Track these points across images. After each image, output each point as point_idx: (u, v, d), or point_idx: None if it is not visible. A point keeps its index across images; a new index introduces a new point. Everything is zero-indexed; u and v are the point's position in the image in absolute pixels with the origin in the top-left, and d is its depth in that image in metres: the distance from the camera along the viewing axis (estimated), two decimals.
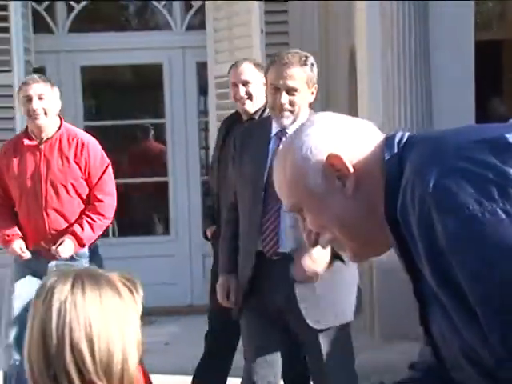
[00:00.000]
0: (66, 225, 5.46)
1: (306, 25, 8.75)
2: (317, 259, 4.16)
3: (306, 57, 4.34)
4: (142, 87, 10.16)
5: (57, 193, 5.44)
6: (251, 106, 5.22)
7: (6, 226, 5.58)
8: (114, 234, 9.90)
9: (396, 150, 1.99)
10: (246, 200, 4.47)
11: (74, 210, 5.49)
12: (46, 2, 9.07)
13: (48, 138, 5.47)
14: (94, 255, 5.63)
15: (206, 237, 5.56)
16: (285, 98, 4.22)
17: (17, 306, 5.49)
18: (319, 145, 2.03)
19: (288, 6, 8.75)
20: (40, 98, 5.39)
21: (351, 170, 1.99)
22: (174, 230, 9.32)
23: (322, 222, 2.06)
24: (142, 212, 10.54)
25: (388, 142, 2.02)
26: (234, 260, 4.55)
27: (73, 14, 9.16)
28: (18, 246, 5.46)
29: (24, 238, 5.53)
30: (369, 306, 7.49)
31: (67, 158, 5.44)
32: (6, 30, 8.23)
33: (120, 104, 10.09)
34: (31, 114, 5.41)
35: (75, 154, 5.44)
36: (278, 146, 4.23)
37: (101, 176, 5.51)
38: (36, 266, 5.49)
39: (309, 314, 4.28)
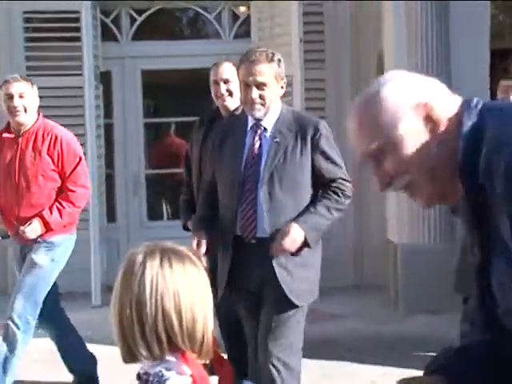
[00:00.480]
0: (35, 213, 5.22)
1: (339, 33, 8.80)
2: (295, 240, 4.07)
3: (273, 54, 4.22)
4: (193, 89, 10.13)
5: (28, 184, 5.23)
6: (231, 103, 5.01)
7: None
8: (168, 217, 10.10)
9: (473, 112, 1.98)
10: (224, 189, 4.31)
11: (44, 201, 5.24)
12: (113, 14, 9.17)
13: (25, 132, 5.31)
14: (58, 248, 5.35)
15: (186, 229, 5.20)
16: (255, 93, 4.10)
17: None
18: (413, 91, 2.01)
19: (324, 18, 8.83)
20: (21, 97, 5.26)
21: (443, 119, 1.98)
22: None
23: (406, 165, 2.01)
24: None
25: (466, 104, 2.01)
26: (205, 220, 4.41)
27: (135, 25, 9.26)
28: None
29: (4, 223, 5.42)
30: (393, 283, 7.57)
31: (40, 151, 5.24)
32: (78, 39, 8.34)
33: (174, 103, 10.16)
34: (12, 111, 5.25)
35: (48, 148, 5.25)
36: (254, 138, 4.24)
37: (73, 169, 5.27)
38: (15, 249, 5.52)
39: (291, 291, 4.14)
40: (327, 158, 4.22)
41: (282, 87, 4.26)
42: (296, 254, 4.14)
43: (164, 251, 1.93)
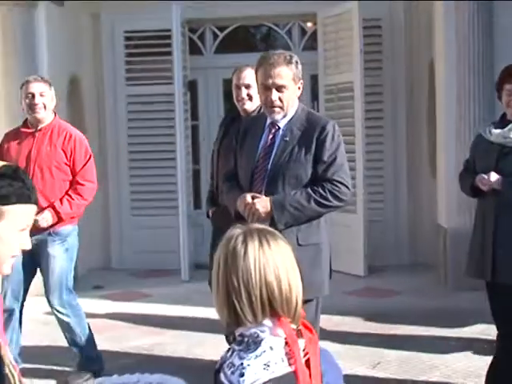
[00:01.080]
0: (47, 204, 5.01)
1: (395, 44, 8.81)
2: (257, 209, 3.75)
3: (291, 56, 3.87)
4: None
5: (42, 174, 5.06)
6: (250, 106, 4.80)
7: None
8: None
9: None
10: (241, 179, 4.04)
11: (55, 192, 5.07)
12: (199, 32, 9.29)
13: (42, 127, 5.15)
14: (68, 238, 5.15)
15: (208, 216, 5.08)
16: (275, 95, 3.79)
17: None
18: None
19: (382, 31, 8.84)
20: (41, 95, 5.12)
21: None
22: None
23: None
24: None
25: None
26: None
27: (217, 40, 9.34)
28: None
29: None
30: (442, 263, 7.57)
31: (55, 145, 5.10)
32: (170, 53, 8.50)
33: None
34: (33, 108, 5.10)
35: (63, 143, 5.10)
36: (269, 135, 3.94)
37: (84, 165, 5.12)
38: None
39: None
40: (329, 158, 3.86)
41: (299, 88, 3.94)
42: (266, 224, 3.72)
43: (260, 231, 1.98)
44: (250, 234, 1.95)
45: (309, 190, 3.81)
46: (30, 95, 5.12)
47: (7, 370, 1.93)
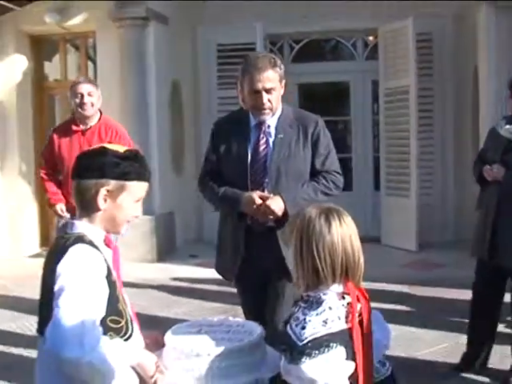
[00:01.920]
0: None
1: (443, 52, 8.68)
2: (273, 211, 3.23)
3: (274, 59, 3.38)
4: (334, 96, 10.24)
5: None
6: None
7: (53, 192, 4.95)
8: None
9: None
10: (234, 182, 3.37)
11: None
12: (278, 44, 9.30)
13: (91, 126, 4.90)
14: None
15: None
16: (265, 98, 3.29)
17: None
18: None
19: (432, 43, 8.71)
20: (89, 95, 4.86)
21: None
22: (356, 186, 9.25)
23: None
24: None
25: None
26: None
27: (294, 51, 9.35)
28: (59, 208, 4.88)
29: (67, 203, 4.87)
30: None
31: (103, 142, 4.67)
32: None
33: (322, 106, 10.21)
34: (83, 106, 4.84)
35: (110, 140, 4.81)
36: (259, 135, 3.38)
37: None
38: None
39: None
40: (324, 150, 3.44)
41: (282, 87, 3.43)
42: (277, 223, 3.30)
43: (336, 211, 2.00)
44: (331, 213, 1.97)
45: (313, 182, 3.40)
46: (79, 95, 4.87)
47: (121, 308, 1.99)
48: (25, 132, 8.83)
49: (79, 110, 4.88)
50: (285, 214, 3.24)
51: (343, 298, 1.94)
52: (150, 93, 8.13)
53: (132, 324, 2.02)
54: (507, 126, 4.09)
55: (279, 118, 3.41)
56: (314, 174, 3.41)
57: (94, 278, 1.88)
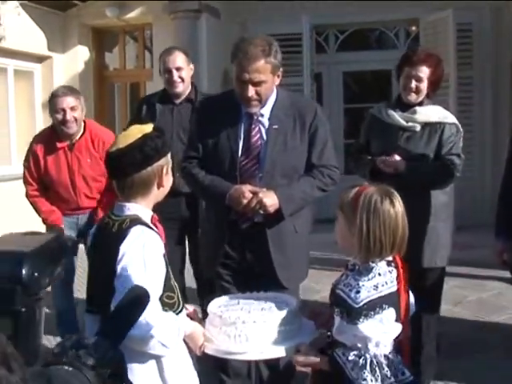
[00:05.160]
0: (96, 204, 4.12)
1: (483, 41, 8.64)
2: (265, 205, 2.83)
3: (269, 45, 2.82)
4: (377, 83, 10.20)
5: (86, 182, 4.10)
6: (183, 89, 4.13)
7: (48, 211, 4.11)
8: None
9: None
10: (221, 172, 2.93)
11: (101, 191, 4.13)
12: (324, 34, 9.34)
13: (76, 141, 4.10)
14: None
15: None
16: (251, 91, 2.80)
17: None
18: None
19: (472, 33, 8.67)
20: (72, 109, 4.01)
21: None
22: None
23: None
24: None
25: None
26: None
27: (339, 41, 9.41)
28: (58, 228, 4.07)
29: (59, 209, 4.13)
30: None
31: (95, 157, 4.09)
32: (300, 51, 8.54)
33: (365, 93, 10.23)
34: (66, 124, 4.02)
35: (98, 150, 4.09)
36: (251, 124, 2.92)
37: None
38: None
39: (281, 275, 2.94)
40: (322, 143, 2.99)
41: (279, 76, 2.91)
42: (266, 219, 2.91)
43: (392, 193, 2.07)
44: (392, 195, 2.05)
45: (310, 177, 2.98)
46: (61, 111, 4.02)
47: (173, 284, 2.03)
48: (86, 117, 9.11)
49: (62, 127, 4.06)
50: (277, 210, 2.86)
51: (389, 265, 2.05)
52: (203, 81, 8.33)
53: (181, 298, 2.05)
54: (398, 113, 3.57)
55: (273, 106, 2.95)
56: (310, 167, 2.99)
57: (155, 258, 1.91)
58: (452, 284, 5.89)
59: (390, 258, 2.05)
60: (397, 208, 2.02)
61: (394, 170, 3.40)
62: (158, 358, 1.98)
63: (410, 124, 3.51)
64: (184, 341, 2.10)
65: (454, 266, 6.32)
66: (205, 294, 2.98)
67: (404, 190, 3.25)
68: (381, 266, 2.02)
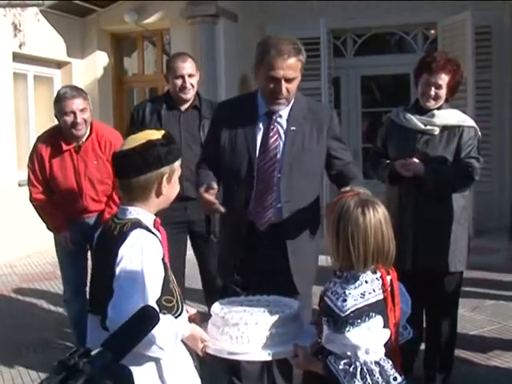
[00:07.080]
0: (103, 207, 4.03)
1: (502, 45, 8.54)
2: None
3: (298, 44, 2.82)
4: (396, 88, 10.14)
5: (93, 185, 4.01)
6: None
7: (53, 217, 4.02)
8: None
9: None
10: (234, 174, 2.92)
11: (107, 194, 4.06)
12: (341, 39, 9.30)
13: (82, 143, 3.99)
14: None
15: None
16: (284, 88, 2.79)
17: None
18: None
19: (491, 36, 8.55)
20: (82, 111, 3.88)
21: None
22: None
23: None
24: None
25: None
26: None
27: (356, 45, 9.38)
28: (63, 237, 3.99)
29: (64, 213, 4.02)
30: None
31: (102, 158, 4.00)
32: (318, 55, 8.44)
33: (383, 97, 10.19)
34: (76, 127, 3.89)
35: (105, 152, 4.00)
36: (269, 125, 2.89)
37: None
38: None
39: (297, 280, 2.91)
40: (340, 143, 3.02)
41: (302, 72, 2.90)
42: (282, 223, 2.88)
43: (370, 202, 1.99)
44: (366, 204, 1.98)
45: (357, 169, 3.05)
46: (71, 114, 3.89)
47: (172, 287, 2.02)
48: (106, 122, 9.16)
49: (72, 130, 3.93)
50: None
51: (375, 272, 2.03)
52: (220, 85, 8.32)
53: (181, 302, 2.05)
54: (416, 117, 3.52)
55: (292, 108, 2.93)
56: (332, 168, 2.99)
57: (153, 261, 1.92)
58: (469, 289, 5.82)
59: (373, 267, 2.01)
60: (368, 218, 1.95)
61: (413, 173, 3.36)
62: (156, 360, 1.98)
63: (428, 127, 3.47)
64: (184, 342, 2.11)
65: (471, 271, 6.36)
66: (214, 298, 2.87)
67: (425, 194, 3.39)
68: (368, 274, 2.00)
